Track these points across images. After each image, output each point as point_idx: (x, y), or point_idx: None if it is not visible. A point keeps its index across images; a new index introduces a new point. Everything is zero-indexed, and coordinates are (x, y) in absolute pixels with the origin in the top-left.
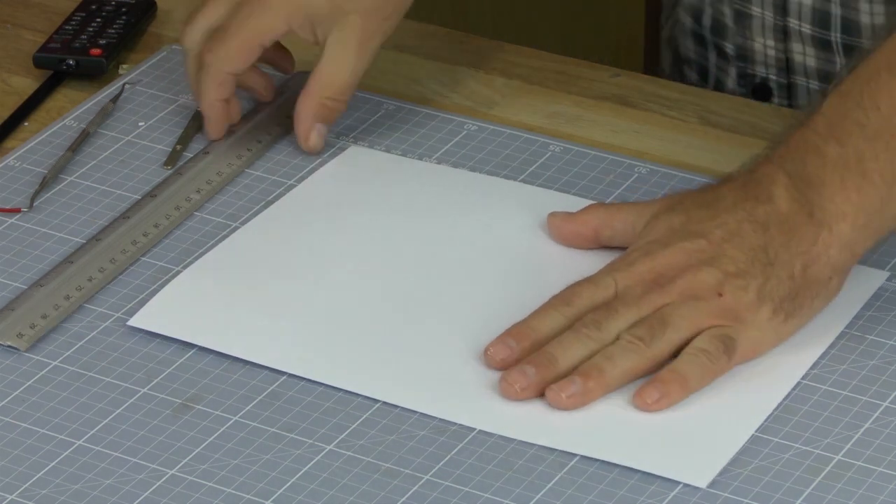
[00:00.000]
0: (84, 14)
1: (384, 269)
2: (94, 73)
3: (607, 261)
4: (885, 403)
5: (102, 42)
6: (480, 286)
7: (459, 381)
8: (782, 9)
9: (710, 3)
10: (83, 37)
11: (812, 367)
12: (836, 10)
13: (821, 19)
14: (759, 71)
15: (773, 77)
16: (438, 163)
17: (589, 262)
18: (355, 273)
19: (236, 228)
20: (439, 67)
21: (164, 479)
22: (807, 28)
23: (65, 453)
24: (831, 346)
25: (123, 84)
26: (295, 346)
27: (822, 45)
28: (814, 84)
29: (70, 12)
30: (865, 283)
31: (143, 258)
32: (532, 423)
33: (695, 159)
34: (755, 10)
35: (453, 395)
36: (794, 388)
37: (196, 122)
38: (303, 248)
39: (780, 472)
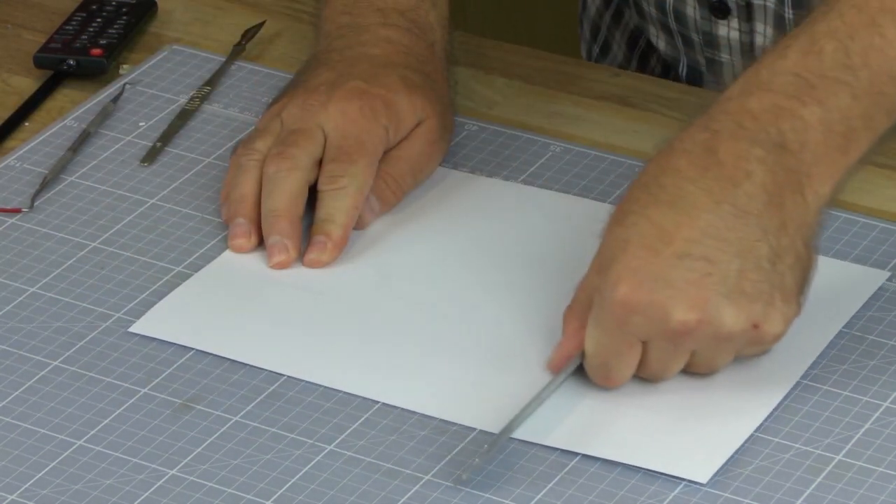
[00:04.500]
0: (84, 14)
1: (385, 272)
2: (94, 73)
3: None
4: (886, 403)
5: (103, 42)
6: (480, 288)
7: (460, 381)
8: None
9: None
10: (83, 37)
11: (812, 367)
12: None
13: None
14: None
15: None
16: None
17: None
18: (356, 276)
19: None
20: None
21: (165, 479)
22: None
23: (65, 453)
24: (831, 346)
25: (124, 84)
26: (298, 351)
27: None
28: (771, 4)
29: (70, 12)
30: (865, 283)
31: (144, 258)
32: (532, 423)
33: None
34: None
35: (454, 395)
36: (794, 388)
37: (179, 121)
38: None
39: (781, 473)
